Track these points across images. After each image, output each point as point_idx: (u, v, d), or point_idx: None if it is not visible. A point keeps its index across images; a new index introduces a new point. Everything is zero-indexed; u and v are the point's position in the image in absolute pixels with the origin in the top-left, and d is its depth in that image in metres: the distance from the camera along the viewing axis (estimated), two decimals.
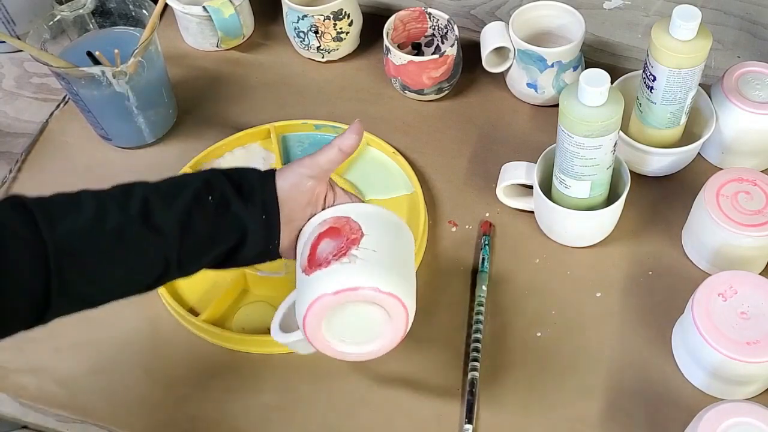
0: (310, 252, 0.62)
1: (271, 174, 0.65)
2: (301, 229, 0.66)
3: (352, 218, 0.63)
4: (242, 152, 0.92)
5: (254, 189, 0.64)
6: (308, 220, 0.66)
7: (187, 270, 0.63)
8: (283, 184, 0.65)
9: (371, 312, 0.61)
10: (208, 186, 0.63)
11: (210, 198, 0.62)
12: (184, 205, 0.61)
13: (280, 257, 0.67)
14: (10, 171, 0.93)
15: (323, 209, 0.66)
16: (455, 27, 0.93)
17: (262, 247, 0.65)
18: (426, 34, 0.98)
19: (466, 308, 0.79)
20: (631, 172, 0.80)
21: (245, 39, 1.04)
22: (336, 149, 0.66)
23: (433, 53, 0.97)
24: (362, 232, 0.62)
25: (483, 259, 0.80)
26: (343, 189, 0.69)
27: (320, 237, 0.63)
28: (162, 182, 0.63)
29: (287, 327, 0.67)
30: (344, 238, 0.61)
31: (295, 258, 0.66)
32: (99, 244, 0.57)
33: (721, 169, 0.84)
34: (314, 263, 0.61)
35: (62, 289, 0.55)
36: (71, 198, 0.59)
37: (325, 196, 0.67)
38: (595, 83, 0.69)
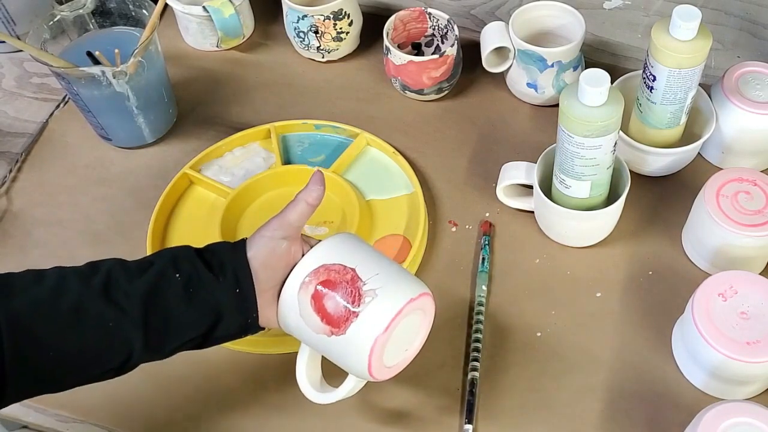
0: (321, 316, 0.61)
1: (241, 244, 0.63)
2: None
3: (327, 264, 0.61)
4: (242, 152, 0.92)
5: (224, 262, 0.61)
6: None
7: (157, 352, 0.60)
8: (256, 253, 0.62)
9: (409, 320, 0.61)
10: (175, 262, 0.60)
11: (177, 275, 0.59)
12: (148, 282, 0.58)
13: (263, 329, 0.65)
14: (10, 171, 0.93)
15: None
16: (455, 27, 0.93)
17: (239, 321, 0.62)
18: (426, 34, 0.98)
19: (466, 308, 0.79)
20: (631, 172, 0.80)
21: (245, 39, 1.04)
22: (303, 204, 0.64)
23: (433, 53, 0.97)
24: (350, 268, 0.61)
25: (483, 259, 0.80)
26: (306, 236, 0.67)
27: (317, 298, 0.61)
28: (135, 260, 0.60)
29: (315, 383, 0.66)
30: (344, 283, 0.60)
31: (279, 326, 0.64)
32: (55, 317, 0.54)
33: (721, 169, 0.84)
34: (339, 321, 0.60)
35: (19, 367, 0.53)
36: (38, 272, 0.57)
37: (302, 252, 0.64)
38: (595, 83, 0.69)
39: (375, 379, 0.62)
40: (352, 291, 0.60)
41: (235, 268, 0.61)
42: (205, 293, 0.60)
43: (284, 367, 0.75)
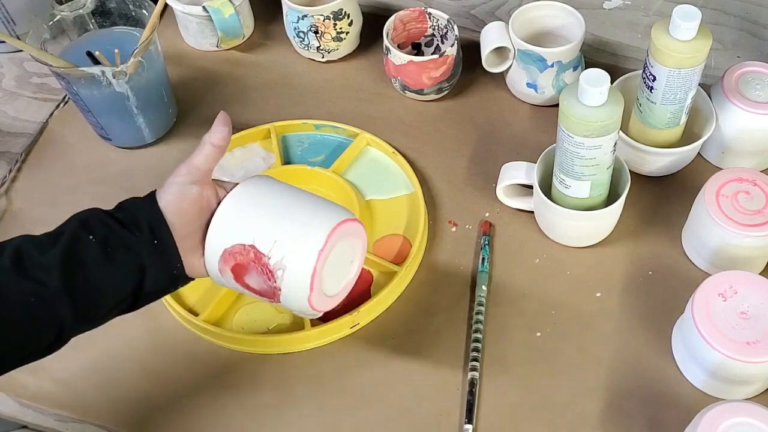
0: (252, 292, 0.63)
1: (151, 196, 0.62)
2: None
3: (227, 248, 0.61)
4: (242, 152, 0.92)
5: (137, 216, 0.60)
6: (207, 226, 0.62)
7: (90, 319, 0.59)
8: (168, 201, 0.61)
9: (336, 252, 0.62)
10: (86, 225, 0.59)
11: (91, 237, 0.58)
12: (62, 249, 0.57)
13: (192, 279, 0.64)
14: (10, 171, 0.93)
15: None
16: (455, 27, 0.93)
17: (165, 273, 0.61)
18: (426, 34, 0.98)
19: (466, 308, 0.78)
20: (631, 172, 0.80)
21: (245, 39, 1.04)
22: (209, 146, 0.63)
23: (433, 53, 0.97)
24: (249, 246, 0.60)
25: (483, 259, 0.80)
26: (220, 181, 0.66)
27: (240, 281, 0.62)
28: (44, 233, 0.59)
29: None
30: (251, 263, 0.60)
31: (209, 276, 0.64)
32: None
33: (721, 169, 0.84)
34: (270, 294, 0.62)
35: None
36: None
37: (217, 197, 0.63)
38: (595, 83, 0.69)
39: (321, 311, 0.63)
40: (262, 270, 0.60)
41: (150, 220, 0.60)
42: (123, 250, 0.59)
43: (283, 367, 0.76)
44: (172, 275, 0.62)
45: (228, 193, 0.63)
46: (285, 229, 0.60)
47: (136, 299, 0.61)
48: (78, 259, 0.57)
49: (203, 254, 0.63)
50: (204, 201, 0.62)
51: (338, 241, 0.61)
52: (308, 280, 0.60)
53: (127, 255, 0.59)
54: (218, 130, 0.64)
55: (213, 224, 0.62)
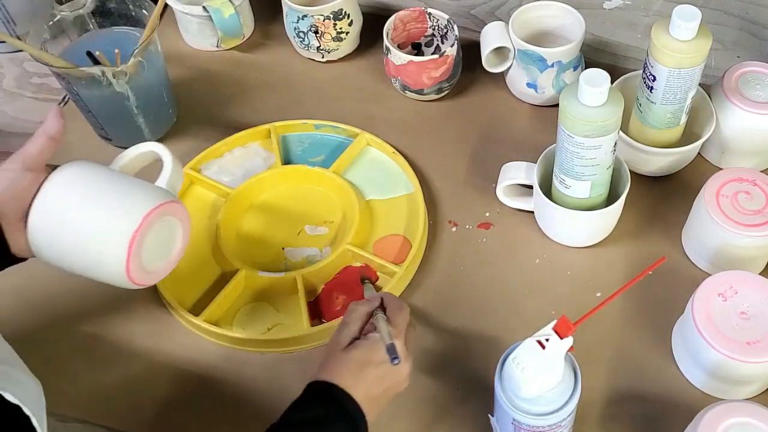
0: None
1: None
2: None
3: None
4: (242, 152, 0.92)
5: None
6: None
7: None
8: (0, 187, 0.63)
9: (159, 229, 0.65)
10: None
11: None
12: None
13: (24, 259, 0.66)
14: None
15: None
16: (455, 27, 0.93)
17: None
18: (426, 34, 0.98)
19: (467, 308, 0.78)
20: (631, 172, 0.80)
21: (245, 39, 1.04)
22: (44, 137, 0.65)
23: (433, 53, 0.97)
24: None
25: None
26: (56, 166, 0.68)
27: None
28: None
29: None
30: None
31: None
32: None
33: (721, 169, 0.84)
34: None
35: None
36: None
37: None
38: (595, 83, 0.69)
39: (140, 284, 0.65)
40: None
41: None
42: None
43: (283, 367, 0.76)
44: None
45: (48, 176, 0.64)
46: (98, 213, 0.63)
47: None
48: None
49: None
50: (38, 188, 0.63)
51: (153, 222, 0.64)
52: (123, 258, 0.62)
53: None
54: (52, 121, 0.66)
55: (33, 208, 0.63)
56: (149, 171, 0.71)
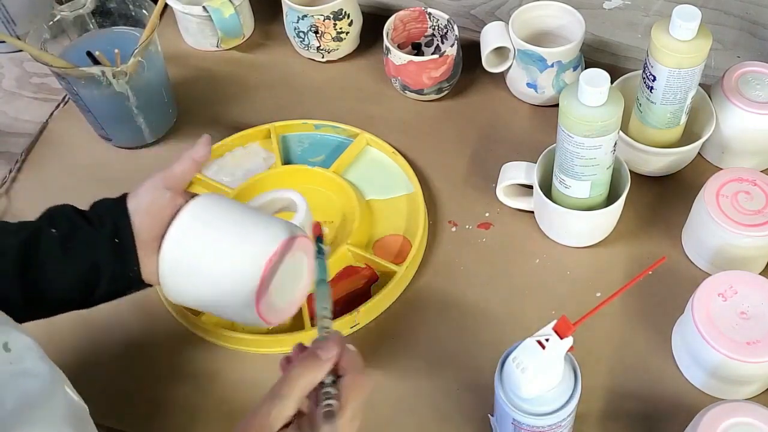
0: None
1: (123, 197, 0.62)
2: None
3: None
4: (242, 152, 0.92)
5: (103, 213, 0.61)
6: None
7: (40, 309, 0.59)
8: (138, 203, 0.61)
9: (290, 264, 0.62)
10: (52, 219, 0.60)
11: (53, 230, 0.59)
12: (22, 239, 0.58)
13: (149, 285, 0.63)
14: (10, 171, 0.93)
15: None
16: (455, 27, 0.93)
17: (120, 272, 0.60)
18: (426, 34, 0.98)
19: (466, 308, 0.78)
20: (631, 172, 0.80)
21: (245, 39, 1.04)
22: (190, 160, 0.64)
23: (433, 53, 0.97)
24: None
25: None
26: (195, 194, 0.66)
27: None
28: (19, 221, 0.61)
29: None
30: None
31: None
32: None
33: (721, 169, 0.84)
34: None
35: None
36: None
37: None
38: (595, 83, 0.69)
39: (271, 322, 0.62)
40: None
41: (115, 219, 0.60)
42: (81, 245, 0.59)
43: None
44: (128, 277, 0.61)
45: (184, 206, 0.62)
46: (234, 242, 0.61)
47: (90, 295, 0.61)
48: (36, 250, 0.59)
49: None
50: (175, 208, 0.62)
51: (286, 253, 0.61)
52: (254, 290, 0.59)
53: (84, 251, 0.60)
54: (201, 147, 0.65)
55: (167, 237, 0.61)
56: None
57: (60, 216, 0.61)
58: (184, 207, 0.62)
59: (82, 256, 0.59)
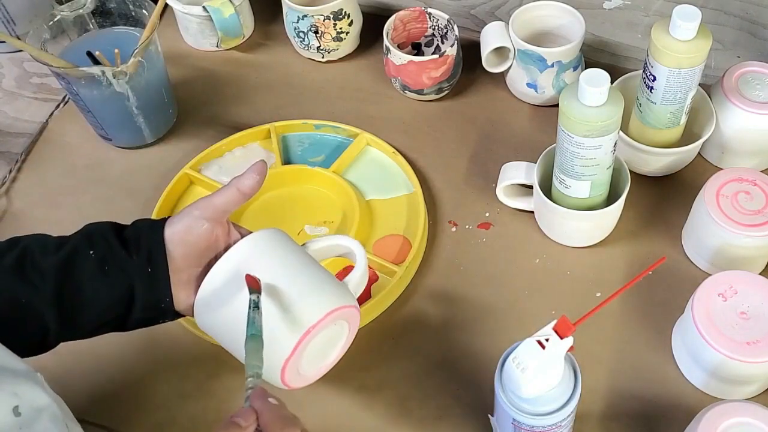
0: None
1: (161, 222, 0.61)
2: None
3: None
4: (242, 152, 0.92)
5: (140, 239, 0.59)
6: (209, 266, 0.60)
7: (76, 330, 0.59)
8: (174, 231, 0.60)
9: (329, 331, 0.60)
10: (91, 239, 0.59)
11: (91, 252, 0.58)
12: (61, 259, 0.57)
13: (182, 315, 0.62)
14: (10, 171, 0.93)
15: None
16: (455, 27, 0.93)
17: (152, 302, 0.60)
18: (426, 34, 0.98)
19: (467, 308, 0.78)
20: (631, 172, 0.80)
21: (245, 39, 1.04)
22: (234, 189, 0.61)
23: (433, 53, 0.97)
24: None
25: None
26: (237, 226, 0.64)
27: None
28: (57, 237, 0.60)
29: None
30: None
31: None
32: None
33: (721, 169, 0.84)
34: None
35: None
36: None
37: (228, 238, 0.62)
38: (595, 83, 0.69)
39: (290, 386, 0.60)
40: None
41: (150, 246, 0.59)
42: (118, 271, 0.59)
43: None
44: (159, 307, 0.61)
45: (235, 244, 0.60)
46: (278, 302, 0.58)
47: (125, 321, 0.61)
48: (74, 271, 0.58)
49: (195, 291, 0.61)
50: (212, 239, 0.61)
51: (328, 324, 0.59)
52: (284, 357, 0.57)
53: (120, 276, 0.59)
54: (249, 177, 0.62)
55: (209, 275, 0.59)
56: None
57: (97, 237, 0.60)
58: (233, 247, 0.59)
59: (117, 281, 0.59)
